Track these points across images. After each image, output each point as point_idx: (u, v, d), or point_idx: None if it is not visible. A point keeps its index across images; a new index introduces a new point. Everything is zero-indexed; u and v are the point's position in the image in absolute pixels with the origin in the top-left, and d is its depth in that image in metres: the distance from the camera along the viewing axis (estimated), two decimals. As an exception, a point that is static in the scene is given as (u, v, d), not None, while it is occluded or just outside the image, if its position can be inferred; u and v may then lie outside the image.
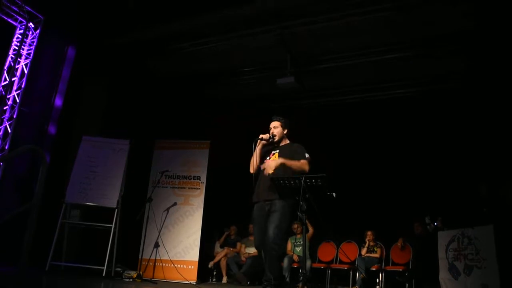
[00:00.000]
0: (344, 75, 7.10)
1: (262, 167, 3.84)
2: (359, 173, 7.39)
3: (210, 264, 6.99)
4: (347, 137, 7.67)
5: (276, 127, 3.99)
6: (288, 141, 4.04)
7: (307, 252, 5.23)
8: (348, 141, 7.65)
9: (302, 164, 3.73)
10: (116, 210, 5.74)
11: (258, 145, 3.90)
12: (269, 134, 3.96)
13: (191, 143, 6.91)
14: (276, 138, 3.95)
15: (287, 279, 6.10)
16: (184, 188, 6.64)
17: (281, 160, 3.74)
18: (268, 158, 3.93)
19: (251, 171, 3.94)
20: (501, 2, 5.14)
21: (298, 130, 4.35)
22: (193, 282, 6.00)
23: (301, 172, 3.68)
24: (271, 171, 3.71)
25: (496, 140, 6.32)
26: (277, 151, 3.93)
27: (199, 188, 6.59)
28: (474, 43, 5.93)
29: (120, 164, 6.01)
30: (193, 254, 6.25)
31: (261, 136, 3.91)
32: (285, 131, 4.02)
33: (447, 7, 5.35)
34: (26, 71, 5.93)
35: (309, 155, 3.89)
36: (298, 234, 6.36)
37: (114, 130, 6.53)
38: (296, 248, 6.57)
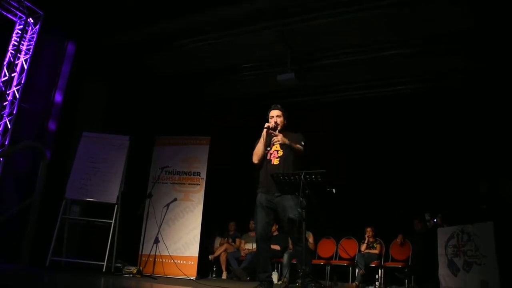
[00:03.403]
0: (344, 71, 7.08)
1: (272, 141, 3.85)
2: (359, 169, 7.39)
3: (211, 257, 7.02)
4: (347, 134, 7.68)
5: (278, 116, 3.94)
6: (286, 131, 3.98)
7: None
8: (348, 138, 7.66)
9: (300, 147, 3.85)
10: (116, 206, 5.74)
11: (264, 133, 3.85)
12: (273, 123, 3.88)
13: (191, 139, 6.90)
14: (279, 128, 3.87)
15: (287, 275, 6.13)
16: (184, 184, 6.65)
17: (287, 141, 3.77)
18: (269, 148, 3.88)
19: (255, 161, 3.92)
20: (501, 1, 5.12)
21: (298, 127, 4.34)
22: (193, 277, 6.02)
23: (301, 153, 3.82)
24: (282, 141, 3.77)
25: (496, 138, 6.32)
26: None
27: (199, 184, 6.59)
28: (474, 42, 5.91)
29: (120, 160, 6.01)
30: (193, 250, 6.26)
31: (267, 124, 3.85)
32: (285, 122, 3.99)
33: (447, 6, 5.34)
34: (26, 67, 5.91)
35: (310, 150, 3.91)
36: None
37: (115, 126, 6.51)
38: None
